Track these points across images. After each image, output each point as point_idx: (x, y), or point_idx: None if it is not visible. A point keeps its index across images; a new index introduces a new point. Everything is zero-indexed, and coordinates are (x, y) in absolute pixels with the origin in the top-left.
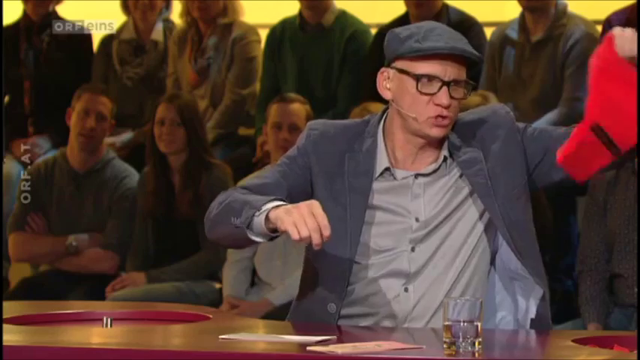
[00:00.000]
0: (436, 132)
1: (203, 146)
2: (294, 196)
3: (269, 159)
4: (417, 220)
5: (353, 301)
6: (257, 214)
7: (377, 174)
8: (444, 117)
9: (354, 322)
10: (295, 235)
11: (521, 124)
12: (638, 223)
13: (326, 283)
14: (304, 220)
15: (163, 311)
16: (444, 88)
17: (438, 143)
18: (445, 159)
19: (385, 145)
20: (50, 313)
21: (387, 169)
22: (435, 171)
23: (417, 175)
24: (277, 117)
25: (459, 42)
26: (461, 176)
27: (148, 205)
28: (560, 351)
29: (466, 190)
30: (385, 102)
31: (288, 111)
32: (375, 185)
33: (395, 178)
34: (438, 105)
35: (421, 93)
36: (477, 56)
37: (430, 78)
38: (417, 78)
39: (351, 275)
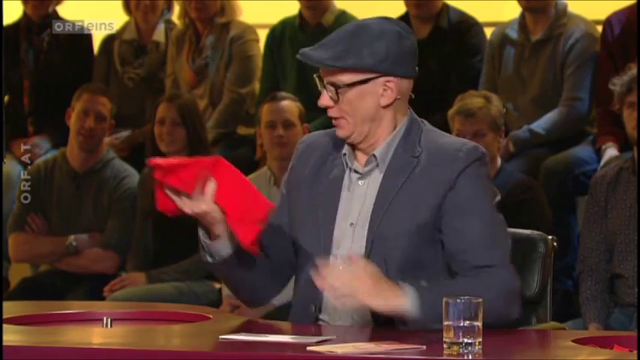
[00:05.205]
0: (337, 132)
1: (203, 146)
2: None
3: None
4: (351, 224)
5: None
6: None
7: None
8: (334, 118)
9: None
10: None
11: (465, 188)
12: (638, 223)
13: (306, 285)
14: None
15: (163, 311)
16: (323, 90)
17: (365, 146)
18: (375, 158)
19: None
20: (50, 313)
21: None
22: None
23: (353, 170)
24: (270, 115)
25: (328, 49)
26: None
27: (148, 205)
28: (560, 351)
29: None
30: None
31: (280, 108)
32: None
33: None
34: None
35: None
36: (328, 65)
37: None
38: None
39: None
